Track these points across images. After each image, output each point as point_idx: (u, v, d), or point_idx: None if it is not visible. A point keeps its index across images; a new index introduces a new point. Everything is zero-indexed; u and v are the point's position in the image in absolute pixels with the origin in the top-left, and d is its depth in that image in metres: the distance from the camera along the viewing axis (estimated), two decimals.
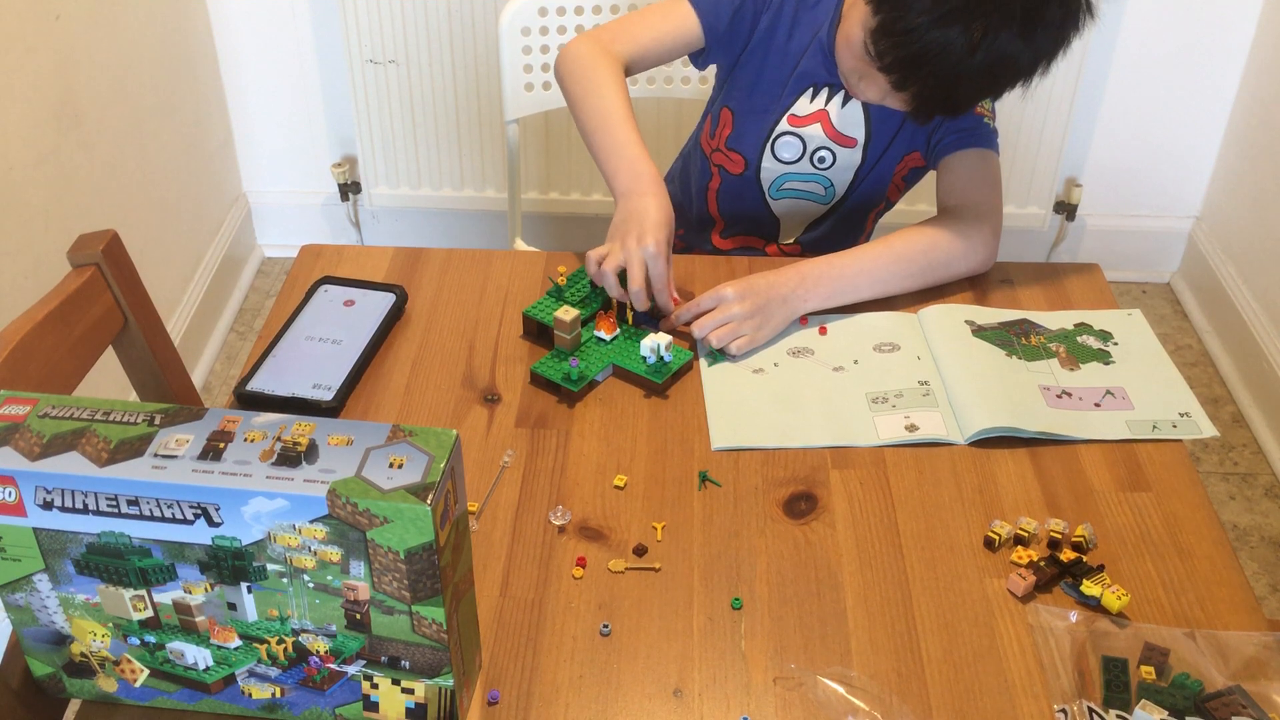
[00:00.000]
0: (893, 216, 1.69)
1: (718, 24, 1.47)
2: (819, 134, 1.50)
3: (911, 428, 1.18)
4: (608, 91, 1.40)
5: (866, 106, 1.48)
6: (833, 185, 1.54)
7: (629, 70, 1.46)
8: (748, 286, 1.29)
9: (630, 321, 1.29)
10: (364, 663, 0.86)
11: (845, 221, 1.58)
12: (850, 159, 1.51)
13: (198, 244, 2.48)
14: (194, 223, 2.46)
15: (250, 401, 1.19)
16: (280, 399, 1.19)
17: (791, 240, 1.61)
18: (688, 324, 1.29)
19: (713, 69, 1.58)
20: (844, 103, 1.47)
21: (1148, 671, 0.94)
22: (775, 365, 1.27)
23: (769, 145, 1.52)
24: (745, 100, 1.52)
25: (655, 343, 1.23)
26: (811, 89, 1.48)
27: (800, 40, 1.47)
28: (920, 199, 2.42)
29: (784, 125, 1.50)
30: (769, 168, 1.54)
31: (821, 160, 1.51)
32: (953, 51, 1.22)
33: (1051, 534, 1.07)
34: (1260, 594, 1.99)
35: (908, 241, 1.37)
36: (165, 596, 0.85)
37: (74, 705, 0.96)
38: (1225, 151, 2.53)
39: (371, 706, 0.89)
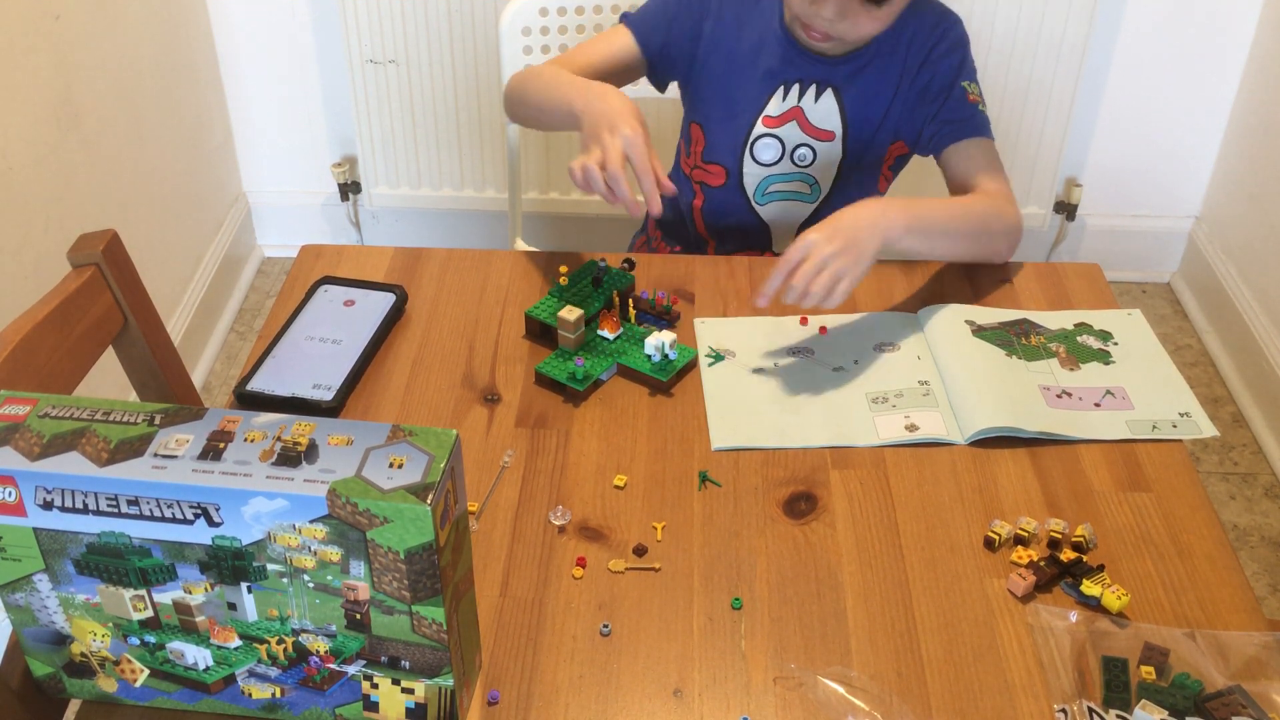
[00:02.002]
0: None
1: (653, 39, 1.48)
2: (796, 132, 1.50)
3: (911, 428, 1.18)
4: (545, 71, 1.43)
5: (840, 98, 1.48)
6: (817, 183, 1.54)
7: None
8: (832, 226, 1.22)
9: (633, 320, 1.29)
10: (364, 663, 0.86)
11: None
12: (831, 153, 1.52)
13: (198, 244, 2.47)
14: (194, 223, 2.46)
15: (250, 401, 1.19)
16: (280, 399, 1.19)
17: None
18: (779, 291, 1.20)
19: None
20: (817, 97, 1.48)
21: (1148, 671, 0.94)
22: (775, 365, 1.27)
23: (747, 150, 1.52)
24: (710, 111, 1.53)
25: (659, 341, 1.23)
26: (782, 87, 1.49)
27: (750, 39, 1.48)
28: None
29: (760, 128, 1.51)
30: (751, 172, 1.54)
31: (802, 158, 1.51)
32: None
33: (1051, 534, 1.07)
34: (1260, 594, 1.99)
35: (965, 198, 1.39)
36: (165, 596, 0.85)
37: (74, 705, 0.96)
38: (1225, 151, 2.53)
39: (371, 706, 0.89)
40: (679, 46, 1.49)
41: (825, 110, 1.49)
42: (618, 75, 1.50)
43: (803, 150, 1.51)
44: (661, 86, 1.55)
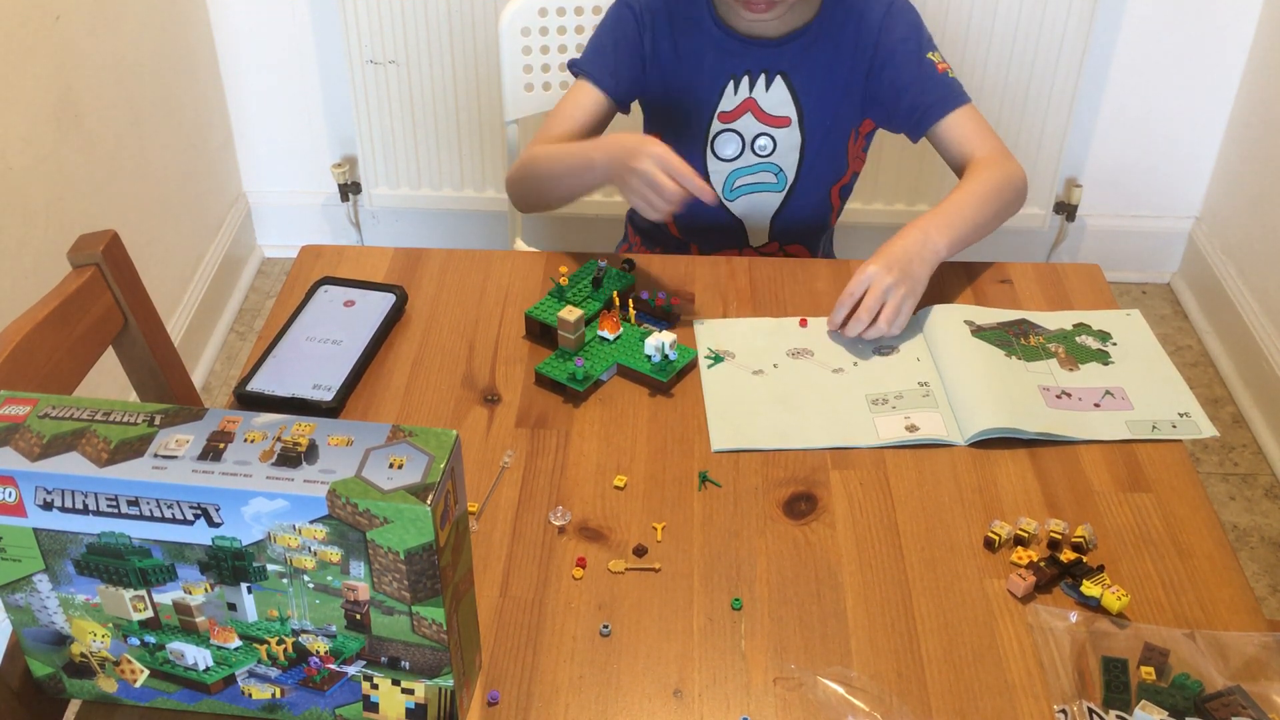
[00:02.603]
0: (866, 217, 1.68)
1: (606, 75, 1.49)
2: (752, 122, 1.51)
3: (911, 428, 1.18)
4: (542, 150, 1.44)
5: (790, 82, 1.49)
6: (782, 170, 1.55)
7: None
8: (886, 257, 1.29)
9: (633, 320, 1.30)
10: (364, 663, 0.86)
11: (809, 202, 1.59)
12: (790, 139, 1.53)
13: (198, 244, 2.47)
14: (194, 223, 2.45)
15: (250, 402, 1.19)
16: (280, 399, 1.19)
17: (765, 240, 1.62)
18: (844, 323, 1.28)
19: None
20: (768, 85, 1.49)
21: (1148, 672, 0.94)
22: (775, 366, 1.27)
23: (708, 148, 1.53)
24: (666, 118, 1.54)
25: (659, 341, 1.23)
26: (731, 81, 1.49)
27: (688, 41, 1.49)
28: (905, 197, 2.42)
29: (716, 125, 1.52)
30: (715, 169, 1.55)
31: (763, 148, 1.52)
32: None
33: (1051, 534, 1.07)
34: (1260, 594, 1.99)
35: (976, 180, 1.39)
36: (165, 597, 0.85)
37: (74, 705, 0.96)
38: (1225, 151, 2.53)
39: (371, 707, 0.89)
40: (630, 68, 1.51)
41: (777, 97, 1.50)
42: (599, 127, 1.52)
43: (762, 140, 1.52)
44: (625, 109, 1.57)
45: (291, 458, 0.79)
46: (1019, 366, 1.26)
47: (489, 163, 2.51)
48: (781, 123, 1.51)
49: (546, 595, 1.02)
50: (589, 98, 1.50)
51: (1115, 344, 1.30)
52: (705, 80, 1.50)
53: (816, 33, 1.48)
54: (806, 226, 1.63)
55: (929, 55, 1.47)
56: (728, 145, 1.53)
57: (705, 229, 1.61)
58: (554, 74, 1.84)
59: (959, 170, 1.46)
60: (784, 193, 1.57)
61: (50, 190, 1.87)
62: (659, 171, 1.25)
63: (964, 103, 1.46)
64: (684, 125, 1.53)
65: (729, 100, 1.50)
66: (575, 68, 1.53)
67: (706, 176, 1.56)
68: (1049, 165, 2.45)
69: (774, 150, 1.53)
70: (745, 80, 1.49)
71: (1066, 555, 1.04)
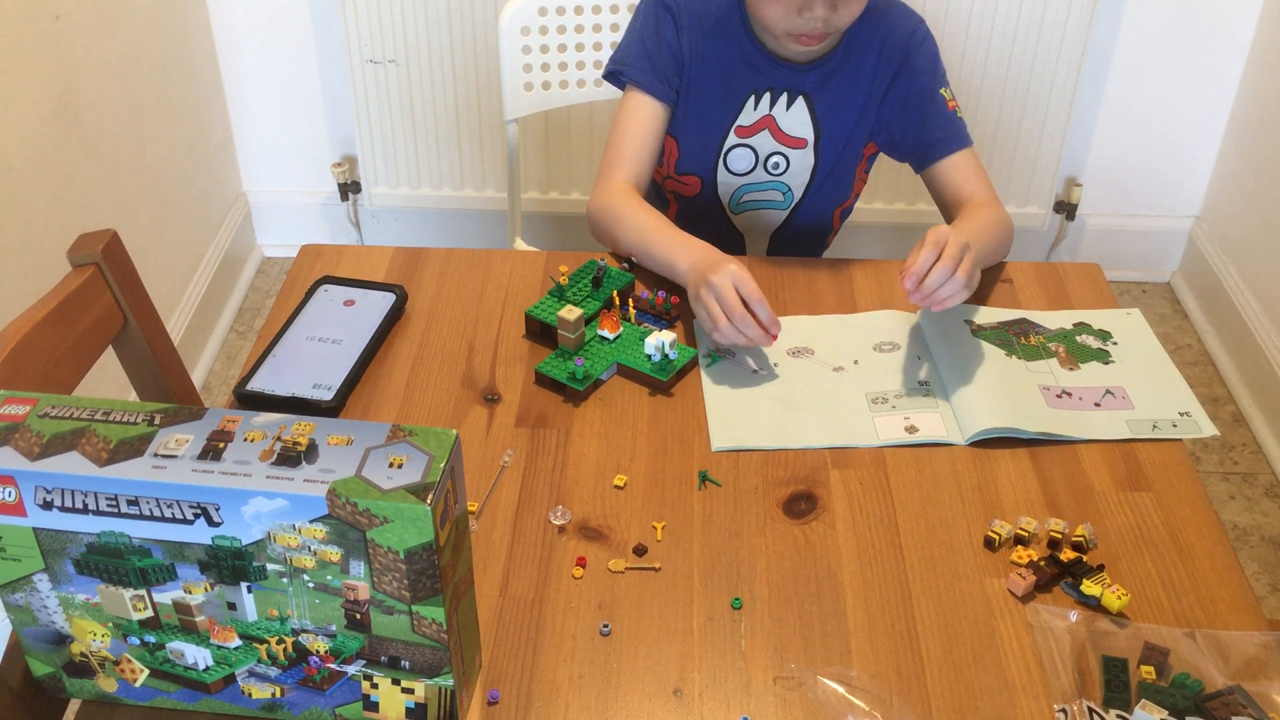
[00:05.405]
0: (867, 216, 1.68)
1: (657, 83, 1.47)
2: (768, 140, 1.51)
3: (911, 429, 1.18)
4: (631, 218, 1.40)
5: (812, 105, 1.48)
6: (790, 190, 1.54)
7: (640, 182, 1.47)
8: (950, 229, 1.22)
9: (633, 319, 1.30)
10: (364, 662, 0.86)
11: (812, 221, 1.59)
12: (803, 161, 1.52)
13: (198, 244, 2.47)
14: (194, 223, 2.45)
15: (250, 401, 1.19)
16: (280, 399, 1.19)
17: (763, 254, 1.61)
18: (917, 287, 1.19)
19: None
20: (789, 105, 1.48)
21: (1148, 671, 0.94)
22: (775, 365, 1.27)
23: (721, 160, 1.52)
24: (683, 123, 1.52)
25: (659, 340, 1.23)
26: (753, 96, 1.49)
27: (718, 50, 1.47)
28: (900, 197, 2.42)
29: (732, 139, 1.51)
30: (725, 182, 1.54)
31: (775, 166, 1.52)
32: None
33: (1051, 534, 1.07)
34: (1260, 594, 1.99)
35: (982, 216, 1.38)
36: (165, 596, 0.85)
37: (74, 705, 0.96)
38: (1225, 151, 2.53)
39: (371, 706, 0.89)
40: (675, 70, 1.49)
41: (797, 118, 1.49)
42: (662, 136, 1.49)
43: (776, 158, 1.51)
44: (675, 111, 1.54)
45: (291, 457, 0.79)
46: (1019, 366, 1.26)
47: (489, 163, 2.51)
48: (798, 144, 1.51)
49: (546, 595, 1.02)
50: (647, 109, 1.47)
51: (1115, 343, 1.30)
52: (728, 92, 1.49)
53: (842, 59, 1.47)
54: (805, 244, 1.62)
55: (941, 91, 1.46)
56: (741, 160, 1.52)
57: (705, 238, 1.60)
58: (554, 73, 1.84)
59: (949, 211, 1.45)
60: (788, 210, 1.57)
61: (50, 190, 1.87)
62: (731, 288, 1.21)
63: (967, 145, 1.46)
64: (700, 134, 1.52)
65: (748, 115, 1.49)
66: (623, 77, 1.49)
67: (715, 187, 1.55)
68: (1049, 164, 2.45)
69: (786, 170, 1.53)
70: (767, 97, 1.48)
71: (1066, 554, 1.04)
